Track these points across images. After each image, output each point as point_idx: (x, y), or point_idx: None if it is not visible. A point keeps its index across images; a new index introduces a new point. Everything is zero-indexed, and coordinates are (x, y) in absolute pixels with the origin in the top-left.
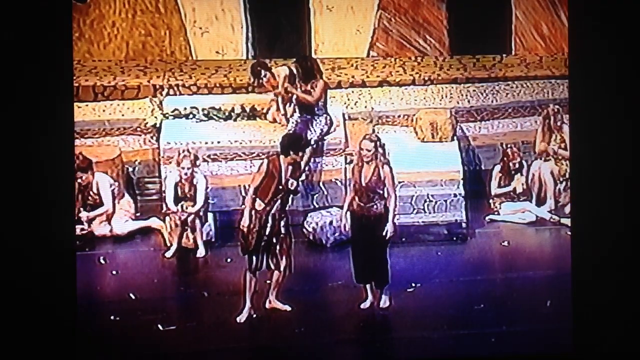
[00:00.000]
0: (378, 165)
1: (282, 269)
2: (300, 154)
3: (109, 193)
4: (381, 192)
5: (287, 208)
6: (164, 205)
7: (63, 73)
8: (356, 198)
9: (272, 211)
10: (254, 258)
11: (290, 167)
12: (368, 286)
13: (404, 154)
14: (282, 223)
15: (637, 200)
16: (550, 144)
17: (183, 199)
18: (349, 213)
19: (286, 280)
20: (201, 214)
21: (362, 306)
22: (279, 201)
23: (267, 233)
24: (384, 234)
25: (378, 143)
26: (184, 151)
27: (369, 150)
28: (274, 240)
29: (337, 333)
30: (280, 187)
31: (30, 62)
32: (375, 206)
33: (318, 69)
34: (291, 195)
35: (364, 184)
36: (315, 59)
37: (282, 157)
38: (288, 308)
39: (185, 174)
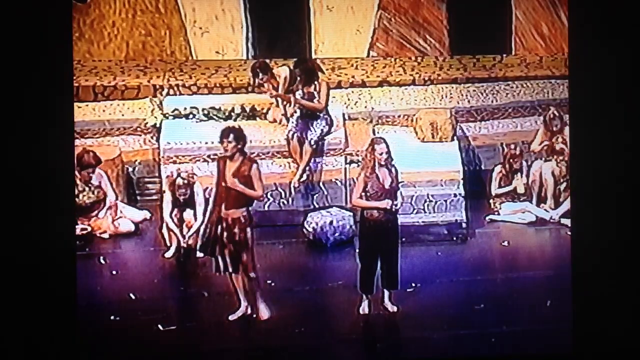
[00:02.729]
0: (389, 166)
1: (240, 272)
2: (232, 143)
3: (110, 188)
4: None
5: (241, 211)
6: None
7: (63, 73)
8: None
9: (221, 214)
10: (213, 260)
11: (230, 166)
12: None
13: (404, 154)
14: (236, 228)
15: (637, 200)
16: (552, 144)
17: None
18: (358, 218)
19: (254, 284)
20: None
21: (361, 311)
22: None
23: (223, 236)
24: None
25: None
26: (178, 175)
27: (387, 153)
28: (232, 245)
29: (337, 333)
30: (224, 186)
31: (31, 62)
32: (397, 205)
33: (320, 70)
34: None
35: (387, 187)
36: (316, 60)
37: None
38: (267, 314)
39: (184, 199)
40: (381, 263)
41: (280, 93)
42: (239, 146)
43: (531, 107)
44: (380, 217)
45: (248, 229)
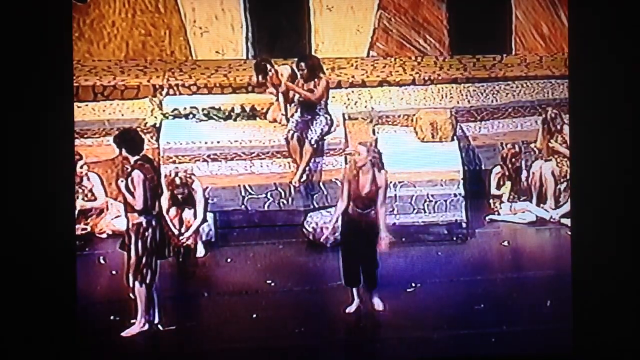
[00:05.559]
0: (375, 172)
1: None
2: (117, 149)
3: (102, 191)
4: (377, 198)
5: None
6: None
7: (63, 73)
8: (351, 204)
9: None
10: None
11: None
12: (355, 290)
13: (404, 154)
14: (132, 233)
15: (637, 200)
16: (552, 143)
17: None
18: (340, 217)
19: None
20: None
21: (347, 310)
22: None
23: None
24: (381, 247)
25: (372, 149)
26: (175, 174)
27: (359, 154)
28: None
29: (337, 333)
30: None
31: (31, 62)
32: (372, 212)
33: (321, 68)
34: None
35: (363, 194)
36: (318, 57)
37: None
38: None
39: (182, 197)
40: (360, 261)
41: (282, 89)
42: (123, 151)
43: (531, 107)
44: (360, 217)
45: (147, 239)
